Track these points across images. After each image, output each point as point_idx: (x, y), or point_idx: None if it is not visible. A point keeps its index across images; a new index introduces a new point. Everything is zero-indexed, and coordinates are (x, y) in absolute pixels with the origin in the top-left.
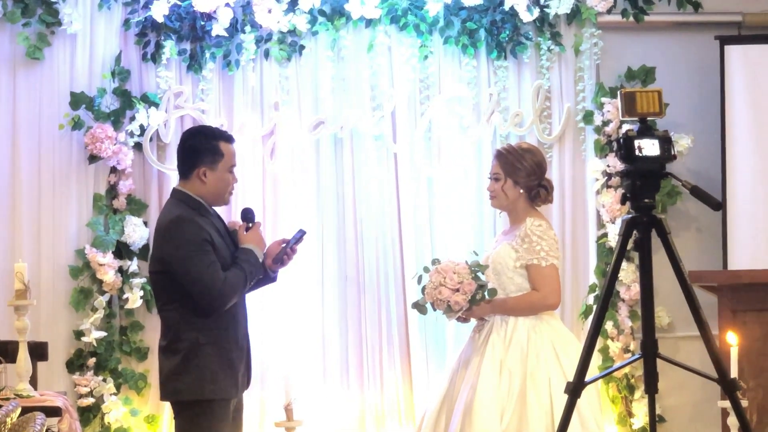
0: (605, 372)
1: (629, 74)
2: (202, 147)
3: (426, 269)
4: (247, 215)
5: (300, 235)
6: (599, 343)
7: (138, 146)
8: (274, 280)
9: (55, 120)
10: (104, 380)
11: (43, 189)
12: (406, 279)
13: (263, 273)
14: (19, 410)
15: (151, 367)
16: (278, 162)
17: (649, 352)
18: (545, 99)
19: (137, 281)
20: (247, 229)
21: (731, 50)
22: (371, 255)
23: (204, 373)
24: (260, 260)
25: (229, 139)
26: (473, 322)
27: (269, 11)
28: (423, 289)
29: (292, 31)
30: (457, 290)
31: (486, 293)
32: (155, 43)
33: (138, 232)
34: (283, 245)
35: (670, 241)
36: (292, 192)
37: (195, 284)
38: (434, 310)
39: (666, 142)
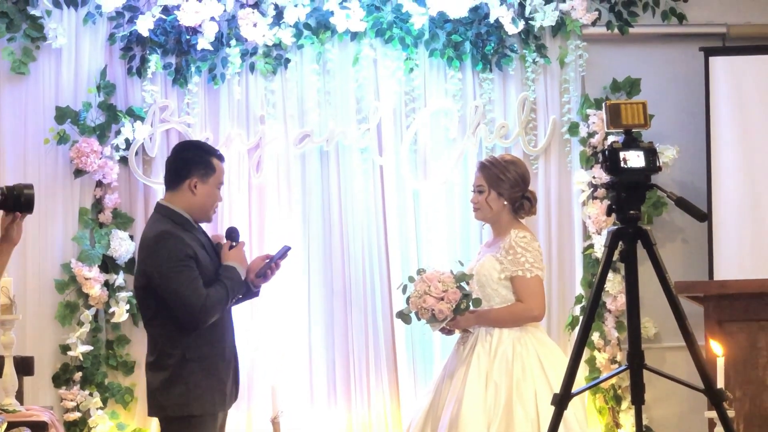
0: (592, 383)
1: (614, 86)
2: (196, 159)
3: (411, 279)
4: (232, 234)
5: (284, 251)
6: (586, 354)
7: (124, 160)
8: (256, 294)
9: (41, 134)
10: (91, 394)
11: None
12: (393, 292)
13: (246, 290)
14: (5, 425)
15: (138, 381)
16: (264, 175)
17: (636, 362)
18: (531, 111)
19: (123, 295)
20: (231, 247)
21: (716, 62)
22: (357, 268)
23: (191, 389)
24: (242, 278)
25: (220, 157)
26: (458, 334)
27: (254, 25)
28: (408, 299)
29: (278, 45)
30: (442, 299)
31: (471, 303)
32: (140, 57)
33: (124, 245)
34: (267, 260)
35: (655, 252)
36: (278, 205)
37: (177, 300)
38: (419, 319)
39: (651, 153)
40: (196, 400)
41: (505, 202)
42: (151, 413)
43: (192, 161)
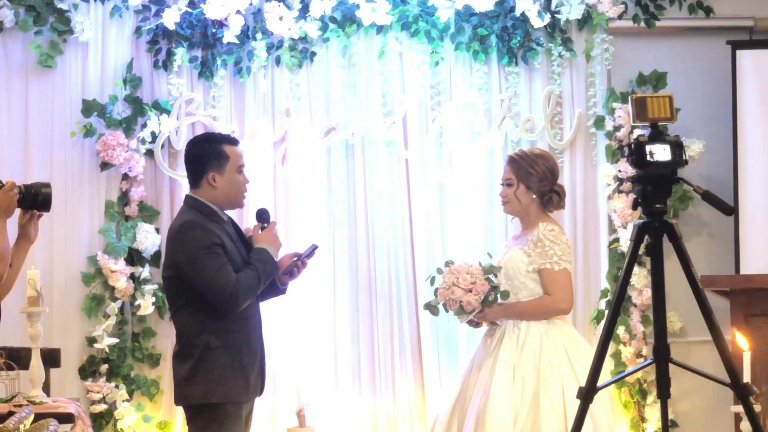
0: (618, 377)
1: (640, 79)
2: (207, 152)
3: (439, 270)
4: (262, 215)
5: (312, 249)
6: (611, 348)
7: (149, 153)
8: (283, 292)
9: (67, 127)
10: (117, 386)
11: (55, 196)
12: (418, 284)
13: (273, 288)
14: (32, 417)
15: (164, 373)
16: (290, 168)
17: (662, 356)
18: (556, 104)
19: (149, 288)
20: (262, 229)
21: (743, 55)
22: (383, 261)
23: (215, 377)
24: (275, 259)
25: (232, 141)
26: (485, 327)
27: (280, 18)
28: (436, 291)
29: (303, 38)
30: (470, 290)
31: (499, 295)
32: (166, 50)
33: (150, 238)
34: (294, 258)
35: (681, 246)
36: (304, 198)
37: (208, 286)
38: (446, 311)
39: (677, 147)
40: (220, 387)
41: (534, 196)
42: (177, 402)
43: (203, 155)
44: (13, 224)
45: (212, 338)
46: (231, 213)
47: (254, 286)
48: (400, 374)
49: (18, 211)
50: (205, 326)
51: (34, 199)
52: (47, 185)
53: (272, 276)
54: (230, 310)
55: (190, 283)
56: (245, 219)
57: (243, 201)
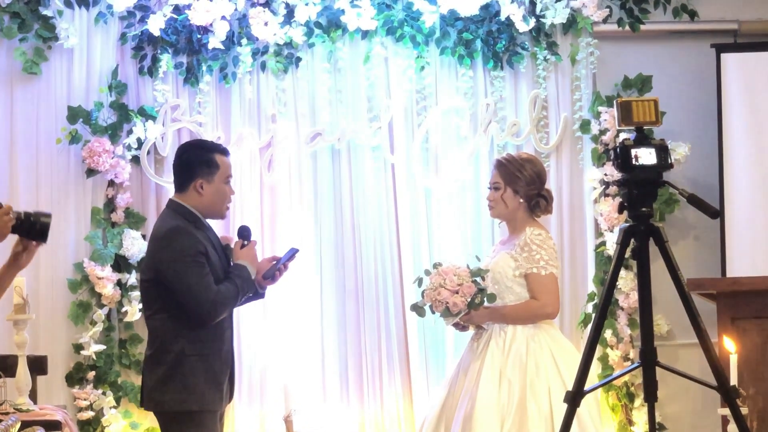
0: (605, 380)
1: (626, 83)
2: (198, 159)
3: (427, 272)
4: (244, 233)
5: (292, 253)
6: (598, 351)
7: (135, 160)
8: (262, 296)
9: (53, 134)
10: (104, 393)
11: (41, 203)
12: (405, 290)
13: (252, 290)
14: (18, 424)
15: None
16: (276, 174)
17: (649, 360)
18: (542, 108)
19: (136, 294)
20: (243, 246)
21: (727, 58)
22: (369, 266)
23: (189, 385)
24: (252, 278)
25: (224, 151)
26: (472, 331)
27: (265, 24)
28: (423, 292)
29: (289, 44)
30: (456, 292)
31: (485, 298)
32: (152, 56)
33: (136, 245)
34: (274, 262)
35: (667, 250)
36: (290, 204)
37: (187, 295)
38: (433, 312)
39: (663, 150)
40: (193, 395)
41: (521, 200)
42: (146, 407)
43: (194, 162)
44: (7, 248)
45: (187, 345)
46: (213, 223)
47: (232, 301)
48: (387, 380)
49: (15, 237)
50: (181, 333)
51: (31, 228)
52: (48, 215)
53: (248, 294)
54: (207, 321)
55: (169, 288)
56: (229, 231)
57: (225, 212)
